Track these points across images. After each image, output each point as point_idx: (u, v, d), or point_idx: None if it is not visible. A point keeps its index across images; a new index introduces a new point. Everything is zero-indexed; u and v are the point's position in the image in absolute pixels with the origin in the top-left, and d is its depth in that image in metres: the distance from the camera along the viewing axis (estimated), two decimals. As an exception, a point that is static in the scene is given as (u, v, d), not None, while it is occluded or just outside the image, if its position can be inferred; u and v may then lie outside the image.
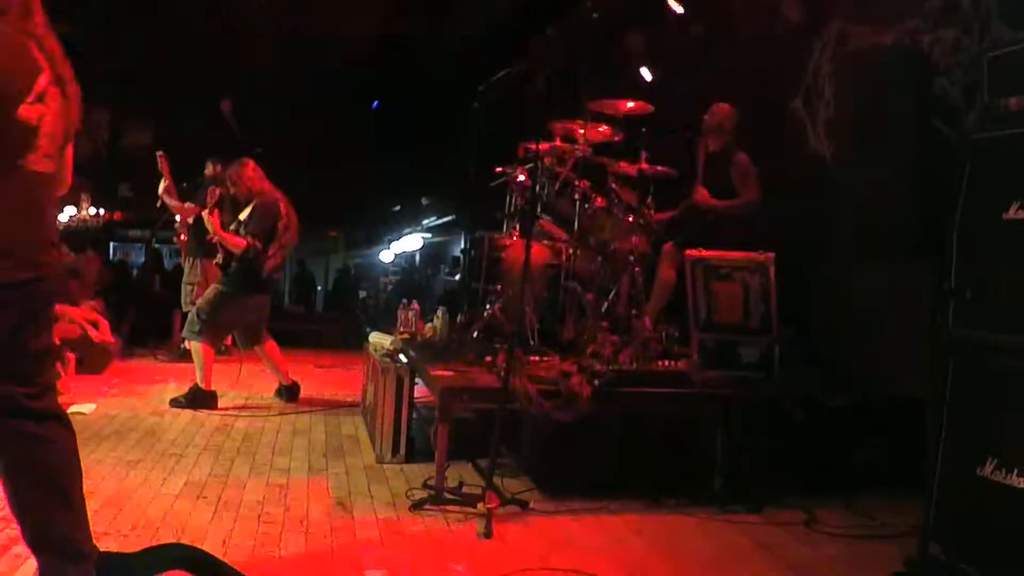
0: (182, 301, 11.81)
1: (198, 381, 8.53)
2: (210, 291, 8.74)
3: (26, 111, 3.41)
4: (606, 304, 6.95)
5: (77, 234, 20.93)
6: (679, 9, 9.77)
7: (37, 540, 3.64)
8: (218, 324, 8.62)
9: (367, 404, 7.94)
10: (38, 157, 3.48)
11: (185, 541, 4.59)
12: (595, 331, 6.52)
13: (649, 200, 7.27)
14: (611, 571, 4.45)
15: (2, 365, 3.50)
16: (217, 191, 8.78)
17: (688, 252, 6.46)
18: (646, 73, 10.49)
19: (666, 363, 6.32)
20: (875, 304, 6.35)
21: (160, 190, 11.36)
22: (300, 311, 18.44)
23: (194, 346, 8.58)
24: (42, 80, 3.49)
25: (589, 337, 6.51)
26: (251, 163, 8.83)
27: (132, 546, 4.46)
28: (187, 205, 11.38)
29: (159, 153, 11.53)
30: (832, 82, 8.03)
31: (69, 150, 3.75)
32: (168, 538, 4.68)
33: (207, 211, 8.57)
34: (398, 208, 16.89)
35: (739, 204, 7.42)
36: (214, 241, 8.68)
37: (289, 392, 9.10)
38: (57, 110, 3.56)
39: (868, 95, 6.76)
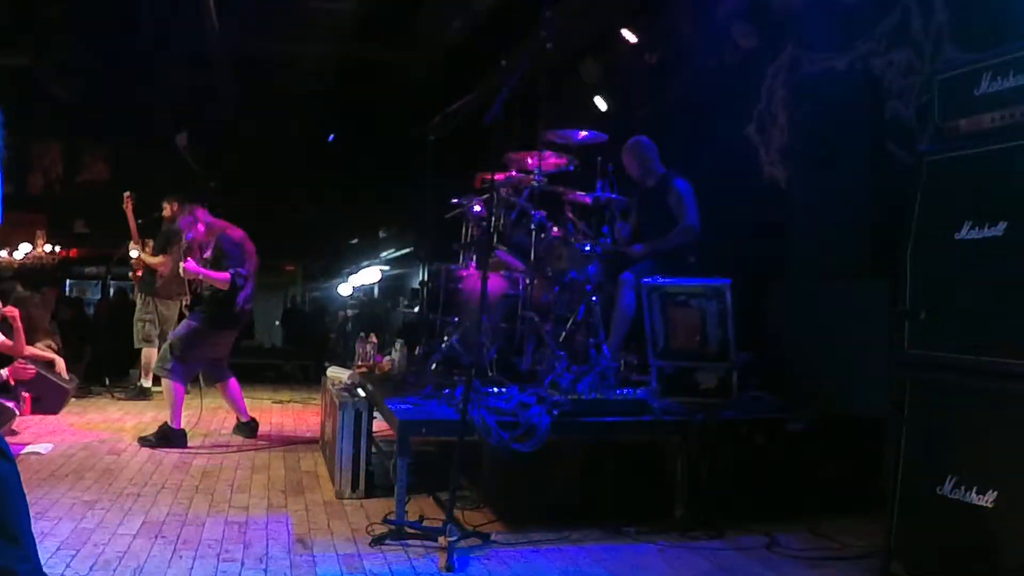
0: (134, 338, 11.75)
1: (168, 419, 8.46)
2: (182, 328, 8.67)
3: None
4: (564, 333, 6.93)
5: (33, 271, 20.78)
6: (632, 39, 9.83)
7: None
8: (190, 360, 8.56)
9: (326, 439, 7.89)
10: None
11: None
12: (553, 361, 6.51)
13: (605, 229, 7.28)
14: (573, 602, 4.43)
15: None
16: (189, 242, 8.76)
17: (644, 280, 6.48)
18: (601, 103, 10.55)
19: (625, 391, 6.32)
20: (834, 325, 6.38)
21: (131, 251, 11.25)
22: (258, 346, 18.38)
23: (165, 383, 8.52)
24: None
25: (547, 367, 6.50)
26: (199, 210, 8.82)
27: (89, 588, 4.43)
28: (162, 259, 11.35)
29: (126, 194, 11.47)
30: (785, 107, 8.10)
31: None
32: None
33: (181, 262, 8.55)
34: (355, 241, 16.88)
35: (675, 234, 7.47)
36: (191, 280, 8.66)
37: (248, 428, 9.04)
38: None
39: (821, 119, 6.84)
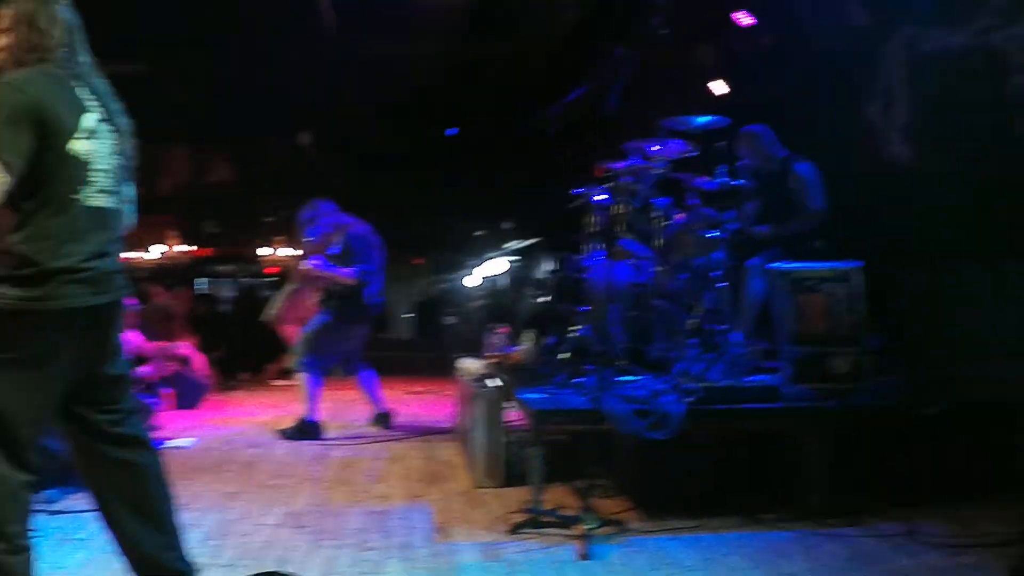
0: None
1: (305, 412, 8.69)
2: (315, 323, 8.88)
3: (77, 146, 3.58)
4: (693, 321, 6.93)
5: (167, 271, 21.31)
6: (747, 21, 9.77)
7: (131, 561, 3.85)
8: (324, 354, 8.77)
9: (461, 430, 8.01)
10: (92, 192, 3.64)
11: (287, 572, 4.71)
12: (684, 349, 6.53)
13: (730, 214, 7.25)
14: (713, 589, 4.47)
15: (82, 392, 3.71)
16: (315, 240, 8.95)
17: (772, 265, 6.46)
18: (718, 86, 10.49)
19: (757, 378, 6.32)
20: (967, 307, 6.29)
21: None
22: (391, 339, 18.55)
23: (301, 377, 8.74)
24: (91, 118, 3.68)
25: (678, 355, 6.51)
26: (324, 207, 9.01)
27: (237, 579, 4.60)
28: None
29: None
30: (905, 85, 7.99)
31: (130, 189, 3.94)
32: (270, 569, 4.78)
33: (306, 261, 8.75)
34: (481, 233, 16.99)
35: (800, 220, 7.41)
36: (318, 281, 8.85)
37: (384, 419, 9.23)
38: (108, 146, 3.74)
39: (942, 96, 6.74)
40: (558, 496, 5.98)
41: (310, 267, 8.73)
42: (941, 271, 6.62)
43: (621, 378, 6.31)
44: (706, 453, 6.07)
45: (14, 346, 3.47)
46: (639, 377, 6.32)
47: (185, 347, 11.23)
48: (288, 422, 8.98)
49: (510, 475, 6.73)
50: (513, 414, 7.15)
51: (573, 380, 6.42)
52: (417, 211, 14.00)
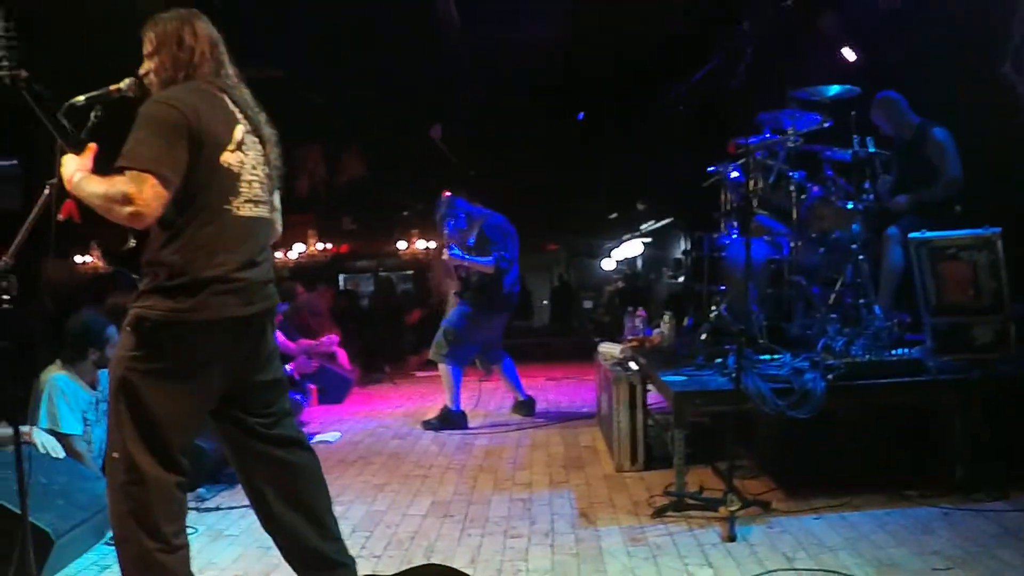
0: None
1: (448, 402, 8.80)
2: (454, 314, 8.97)
3: (228, 158, 3.67)
4: (833, 295, 6.82)
5: (308, 269, 21.69)
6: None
7: (291, 556, 3.97)
8: (464, 345, 8.86)
9: (602, 414, 8.02)
10: (242, 202, 3.71)
11: (436, 560, 4.77)
12: (824, 324, 6.42)
13: (866, 185, 7.10)
14: (859, 568, 4.40)
15: (236, 398, 3.80)
16: (451, 232, 9.02)
17: (911, 235, 6.32)
18: (848, 54, 10.29)
19: (899, 351, 6.15)
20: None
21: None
22: (529, 326, 18.60)
23: (442, 368, 8.85)
24: (239, 129, 3.75)
25: (819, 331, 6.41)
26: (459, 199, 9.07)
27: (386, 568, 4.70)
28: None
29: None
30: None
31: (277, 197, 4.00)
32: (419, 558, 4.88)
33: (445, 250, 8.84)
34: (615, 215, 16.94)
35: (938, 188, 7.21)
36: (458, 271, 8.92)
37: (526, 407, 9.27)
38: (256, 156, 3.81)
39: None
40: (700, 478, 5.95)
41: (449, 257, 8.81)
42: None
43: (761, 357, 6.24)
44: (849, 430, 6.01)
45: (166, 357, 3.55)
46: (779, 355, 6.25)
47: (329, 343, 11.42)
48: (432, 413, 9.10)
49: (652, 458, 6.75)
50: (653, 397, 7.14)
51: (713, 360, 6.38)
52: (550, 197, 14.05)
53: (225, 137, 3.67)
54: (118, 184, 3.39)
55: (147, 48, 3.80)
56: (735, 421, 5.30)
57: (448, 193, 9.24)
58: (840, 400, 5.60)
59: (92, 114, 3.81)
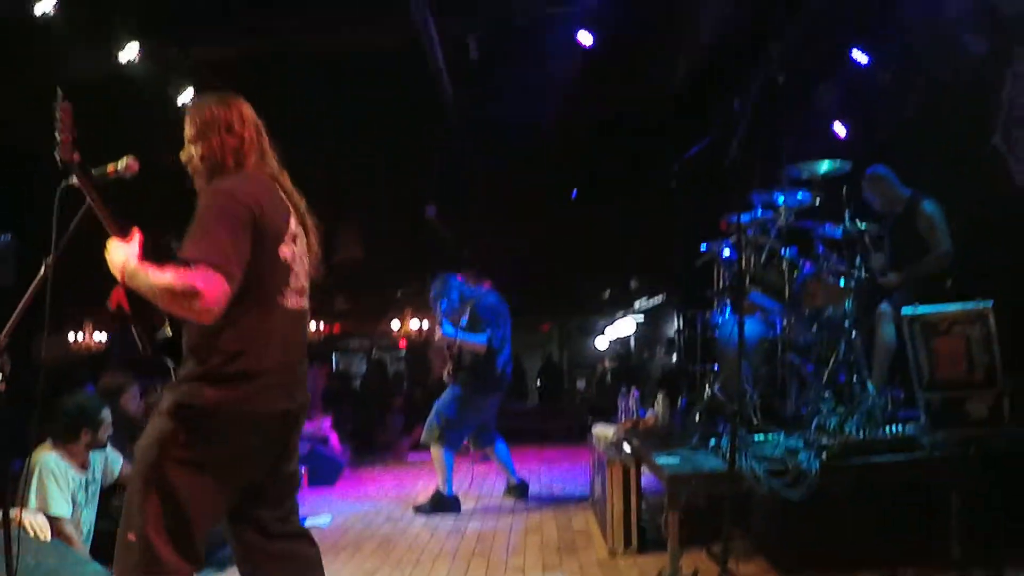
0: None
1: (440, 486, 8.70)
2: (447, 395, 8.88)
3: (284, 250, 3.66)
4: (827, 373, 6.78)
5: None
6: (864, 59, 9.63)
7: None
8: (457, 428, 8.78)
9: (596, 497, 7.93)
10: (291, 294, 3.69)
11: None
12: (818, 403, 6.37)
13: (858, 261, 7.08)
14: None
15: (260, 489, 3.71)
16: (444, 311, 8.99)
17: (904, 311, 6.29)
18: (839, 129, 10.34)
19: (894, 429, 6.10)
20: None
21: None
22: (521, 406, 18.50)
23: (435, 451, 8.75)
24: (292, 220, 3.75)
25: (812, 410, 6.36)
26: (453, 279, 9.07)
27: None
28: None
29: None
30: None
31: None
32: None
33: (437, 328, 8.81)
34: (608, 293, 16.98)
35: (928, 262, 7.20)
36: (450, 351, 8.86)
37: (519, 490, 9.18)
38: (302, 246, 3.79)
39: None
40: (695, 561, 5.84)
41: (442, 336, 8.76)
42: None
43: (755, 436, 6.18)
44: (844, 509, 5.92)
45: (207, 446, 3.48)
46: (774, 434, 6.18)
47: (321, 425, 11.34)
48: (424, 496, 9.00)
49: (645, 541, 6.68)
50: (647, 478, 7.06)
51: (707, 441, 6.32)
52: (544, 275, 14.04)
53: (283, 229, 3.67)
54: (185, 278, 3.33)
55: (190, 131, 3.78)
56: (730, 502, 5.22)
57: (443, 272, 9.23)
58: (835, 479, 5.52)
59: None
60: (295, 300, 3.73)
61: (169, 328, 3.67)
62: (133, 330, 3.66)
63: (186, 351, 3.59)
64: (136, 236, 3.57)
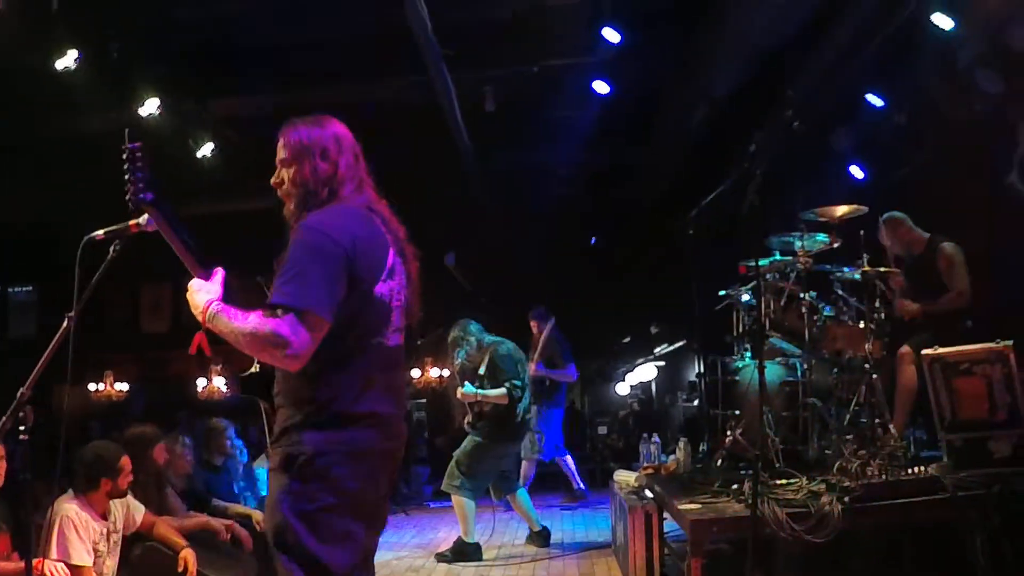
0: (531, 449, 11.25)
1: (462, 534, 8.67)
2: (468, 443, 8.87)
3: (381, 288, 3.49)
4: (848, 416, 6.76)
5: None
6: (879, 102, 9.67)
7: None
8: (478, 476, 8.75)
9: (618, 544, 7.90)
10: (391, 332, 3.53)
11: None
12: (840, 446, 6.35)
13: (877, 303, 7.07)
14: None
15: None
16: (462, 363, 9.02)
17: (924, 352, 6.28)
18: (856, 172, 10.37)
19: (916, 470, 6.07)
20: None
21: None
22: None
23: (456, 499, 8.72)
24: (391, 254, 3.57)
25: (834, 453, 6.34)
26: (471, 328, 9.09)
27: None
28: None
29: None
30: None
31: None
32: None
33: (459, 387, 8.82)
34: (627, 339, 16.98)
35: (947, 301, 7.22)
36: (468, 403, 8.86)
37: (541, 537, 9.14)
38: (401, 280, 3.63)
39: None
40: (721, 608, 5.81)
41: (464, 393, 8.76)
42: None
43: (778, 481, 6.15)
44: (869, 552, 5.89)
45: (326, 490, 3.34)
46: (796, 479, 6.15)
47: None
48: (445, 545, 8.97)
49: (670, 588, 6.61)
50: (670, 524, 7.04)
51: (730, 486, 6.28)
52: (564, 321, 14.07)
53: (380, 267, 3.49)
54: (270, 324, 3.23)
55: (282, 155, 3.61)
56: (753, 547, 5.20)
57: (462, 320, 9.25)
58: (858, 522, 5.49)
59: (111, 249, 3.75)
60: (395, 337, 3.57)
61: (256, 366, 3.62)
62: (217, 370, 3.60)
63: (282, 398, 3.47)
64: (219, 275, 3.48)
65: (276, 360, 3.29)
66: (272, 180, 3.64)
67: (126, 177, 3.35)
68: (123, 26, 9.52)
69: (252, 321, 3.26)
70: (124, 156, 3.35)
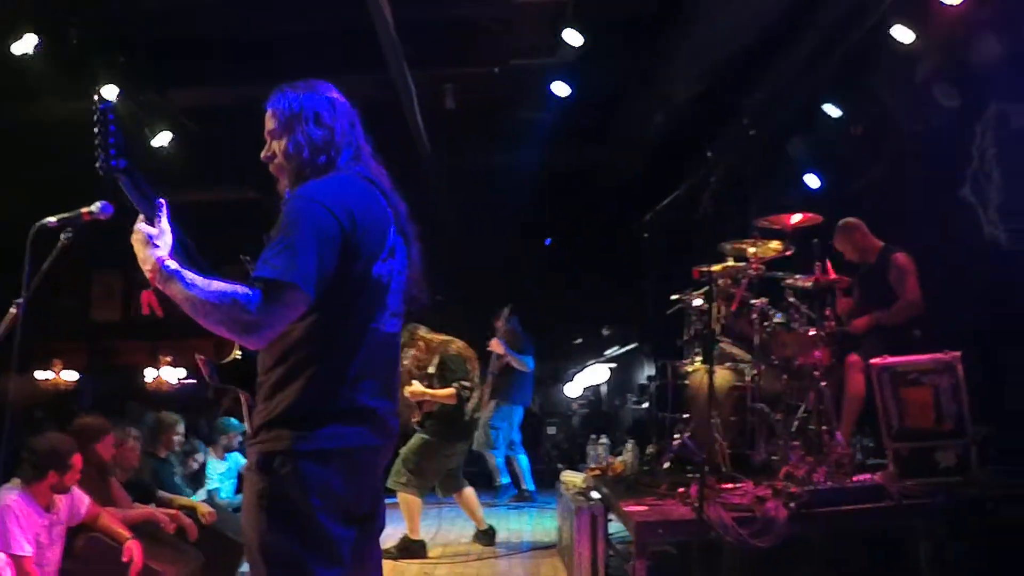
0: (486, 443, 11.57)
1: (407, 531, 8.63)
2: (416, 441, 8.82)
3: (380, 268, 3.18)
4: (796, 422, 6.80)
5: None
6: (836, 112, 9.73)
7: None
8: (425, 473, 8.72)
9: (563, 544, 7.89)
10: (388, 317, 3.24)
11: None
12: (787, 451, 6.38)
13: (828, 311, 7.11)
14: None
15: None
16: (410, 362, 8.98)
17: (873, 361, 6.32)
18: (811, 180, 10.43)
19: (862, 477, 6.13)
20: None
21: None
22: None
23: (401, 496, 8.67)
24: (391, 231, 3.28)
25: (781, 458, 6.38)
26: (420, 329, 9.06)
27: None
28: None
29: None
30: (998, 164, 7.86)
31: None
32: None
33: (406, 386, 8.76)
34: (579, 340, 16.98)
35: (897, 310, 7.28)
36: (416, 401, 8.82)
37: (486, 536, 9.12)
38: (401, 260, 3.34)
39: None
40: (664, 610, 5.82)
41: (411, 392, 8.72)
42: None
43: (724, 485, 6.17)
44: (813, 557, 5.91)
45: (310, 494, 3.03)
46: (742, 483, 6.18)
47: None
48: (390, 542, 8.91)
49: (613, 589, 6.61)
50: (616, 525, 7.04)
51: (676, 489, 6.29)
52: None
53: (379, 245, 3.18)
54: (238, 292, 2.88)
55: (270, 125, 3.31)
56: (698, 550, 5.22)
57: (411, 322, 9.19)
58: (804, 528, 5.53)
59: (62, 236, 3.64)
60: (389, 323, 3.25)
61: (239, 352, 3.31)
62: (166, 360, 3.46)
63: (265, 389, 3.15)
64: (164, 214, 3.10)
65: (235, 334, 2.96)
66: (262, 154, 3.36)
67: (96, 142, 3.00)
68: (86, 14, 9.42)
69: (216, 286, 2.91)
70: (95, 118, 3.02)
